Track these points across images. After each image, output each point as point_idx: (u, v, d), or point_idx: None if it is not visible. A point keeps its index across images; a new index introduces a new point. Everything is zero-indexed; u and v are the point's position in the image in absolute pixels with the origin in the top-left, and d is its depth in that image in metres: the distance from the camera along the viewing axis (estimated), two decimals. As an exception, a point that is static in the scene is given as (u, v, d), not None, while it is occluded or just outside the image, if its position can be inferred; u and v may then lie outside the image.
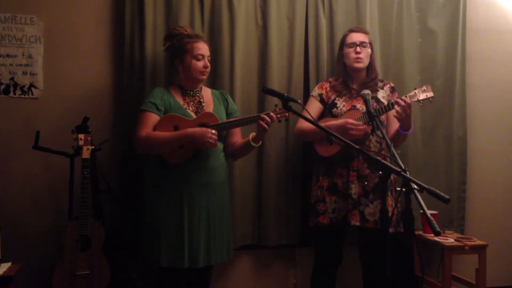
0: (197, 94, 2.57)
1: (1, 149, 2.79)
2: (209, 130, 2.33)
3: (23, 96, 2.83)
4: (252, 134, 2.47)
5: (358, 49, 2.70)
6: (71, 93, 2.87)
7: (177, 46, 2.51)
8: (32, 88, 2.83)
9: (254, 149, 2.78)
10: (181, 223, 2.40)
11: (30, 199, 2.82)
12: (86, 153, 2.54)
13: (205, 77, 2.54)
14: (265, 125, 2.36)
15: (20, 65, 2.82)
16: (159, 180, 2.46)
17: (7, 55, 2.81)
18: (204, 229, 2.43)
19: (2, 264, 2.50)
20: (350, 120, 2.57)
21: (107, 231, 2.61)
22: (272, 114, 2.38)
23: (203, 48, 2.51)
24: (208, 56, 2.54)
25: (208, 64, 2.52)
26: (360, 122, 2.57)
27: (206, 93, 2.63)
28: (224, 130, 2.49)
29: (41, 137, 2.66)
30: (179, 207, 2.41)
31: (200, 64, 2.49)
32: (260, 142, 2.50)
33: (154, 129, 2.41)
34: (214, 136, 2.33)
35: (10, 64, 2.81)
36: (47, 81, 2.85)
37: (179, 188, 2.42)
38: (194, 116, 2.47)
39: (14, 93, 2.82)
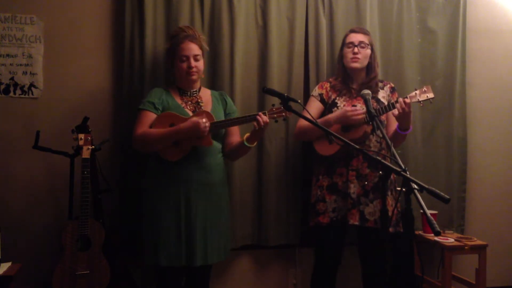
0: (195, 95, 2.57)
1: (1, 149, 2.79)
2: (199, 120, 2.32)
3: (23, 96, 2.83)
4: (247, 135, 2.47)
5: (356, 49, 2.71)
6: (71, 93, 2.87)
7: (169, 49, 2.55)
8: (32, 88, 2.84)
9: (254, 149, 2.79)
10: (178, 221, 2.41)
11: (30, 199, 2.82)
12: (86, 153, 2.54)
13: (194, 77, 2.50)
14: (258, 125, 2.35)
15: (20, 65, 2.82)
16: (157, 179, 2.47)
17: (7, 55, 2.81)
18: (201, 228, 2.43)
19: (2, 264, 2.50)
20: (348, 108, 2.58)
21: (107, 231, 2.61)
22: (267, 114, 2.37)
23: (186, 49, 2.47)
24: (195, 55, 2.47)
25: (193, 64, 2.46)
26: (358, 107, 2.58)
27: (205, 93, 2.63)
28: (219, 128, 2.48)
29: (41, 137, 2.66)
30: (176, 206, 2.41)
31: (184, 65, 2.47)
32: (255, 143, 2.49)
33: (151, 127, 2.42)
34: (207, 124, 2.32)
35: (10, 64, 2.81)
36: (47, 81, 2.85)
37: (177, 187, 2.42)
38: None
39: (14, 93, 2.82)
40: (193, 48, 2.49)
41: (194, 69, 2.48)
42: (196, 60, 2.48)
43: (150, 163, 2.54)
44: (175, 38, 2.54)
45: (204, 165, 2.46)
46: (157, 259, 2.39)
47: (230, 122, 2.46)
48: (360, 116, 2.55)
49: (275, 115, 2.39)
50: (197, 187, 2.44)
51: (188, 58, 2.47)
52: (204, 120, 2.32)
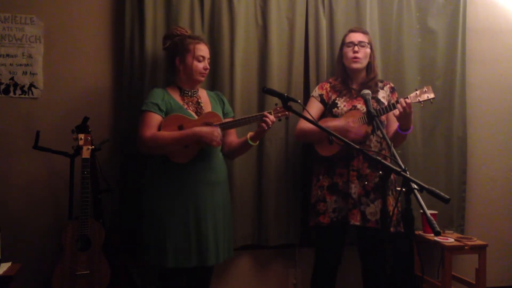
0: (195, 95, 2.58)
1: (1, 149, 2.79)
2: (215, 128, 2.36)
3: (23, 96, 2.83)
4: (250, 133, 2.48)
5: (356, 48, 2.71)
6: (71, 93, 2.87)
7: (179, 45, 2.53)
8: (32, 88, 2.84)
9: (254, 149, 2.80)
10: (187, 222, 2.40)
11: (30, 199, 2.82)
12: (86, 153, 2.54)
13: (203, 78, 2.57)
14: (268, 124, 2.38)
15: (20, 65, 2.82)
16: (162, 179, 2.46)
17: (7, 55, 2.81)
18: (212, 228, 2.44)
19: (2, 264, 2.50)
20: (352, 125, 2.57)
21: (107, 231, 2.61)
22: (272, 114, 2.40)
23: (204, 50, 2.53)
24: (208, 58, 2.56)
25: (208, 66, 2.55)
26: (362, 126, 2.58)
27: (203, 94, 2.65)
28: (228, 128, 2.52)
29: (41, 137, 2.66)
30: (184, 207, 2.41)
31: (200, 65, 2.51)
32: (258, 141, 2.51)
33: (159, 129, 2.41)
34: (221, 135, 2.36)
35: (10, 64, 2.81)
36: (47, 81, 2.85)
37: (183, 187, 2.42)
38: (195, 116, 2.48)
39: (14, 93, 2.82)
40: (208, 51, 2.57)
41: (207, 71, 2.55)
42: (209, 63, 2.56)
43: (151, 163, 2.53)
44: (185, 36, 2.54)
45: (209, 165, 2.47)
46: (164, 260, 2.38)
47: (238, 122, 2.47)
48: (357, 137, 2.55)
49: (280, 114, 2.41)
50: (204, 186, 2.44)
51: (204, 59, 2.53)
52: (219, 130, 2.37)
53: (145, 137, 2.38)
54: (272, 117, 2.39)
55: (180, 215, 2.41)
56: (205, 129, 2.35)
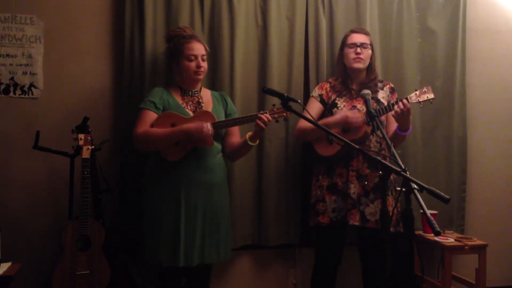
0: (196, 94, 2.57)
1: (1, 149, 2.79)
2: (204, 125, 2.33)
3: (23, 96, 2.83)
4: (249, 134, 2.48)
5: (359, 49, 2.70)
6: (71, 93, 2.87)
7: (172, 48, 2.54)
8: (32, 88, 2.84)
9: (253, 149, 2.79)
10: (178, 221, 2.41)
11: (30, 199, 2.82)
12: (86, 153, 2.54)
13: (200, 76, 2.53)
14: (262, 125, 2.36)
15: (20, 65, 2.82)
16: (157, 178, 2.47)
17: (7, 55, 2.81)
18: (200, 228, 2.43)
19: (2, 264, 2.50)
20: (350, 114, 2.57)
21: (107, 231, 2.61)
22: (268, 114, 2.38)
23: (195, 48, 2.49)
24: (203, 55, 2.51)
25: (202, 64, 2.50)
26: (358, 113, 2.58)
27: (206, 93, 2.63)
28: (221, 128, 2.49)
29: (41, 137, 2.66)
30: (176, 206, 2.42)
31: (192, 64, 2.48)
32: (258, 141, 2.50)
33: (152, 126, 2.42)
34: (210, 131, 2.33)
35: (10, 64, 2.81)
36: (47, 81, 2.85)
37: (177, 187, 2.42)
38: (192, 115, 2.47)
39: (14, 93, 2.82)
40: (201, 48, 2.52)
41: (202, 69, 2.50)
42: (203, 60, 2.52)
43: (149, 162, 2.54)
44: (179, 37, 2.53)
45: (204, 165, 2.46)
46: (158, 259, 2.40)
47: (232, 122, 2.46)
48: (360, 119, 2.55)
49: (276, 115, 2.40)
50: (197, 187, 2.44)
51: (196, 57, 2.49)
52: (209, 125, 2.34)
53: (137, 133, 2.40)
54: (267, 116, 2.36)
55: (173, 215, 2.41)
56: (193, 125, 2.34)
